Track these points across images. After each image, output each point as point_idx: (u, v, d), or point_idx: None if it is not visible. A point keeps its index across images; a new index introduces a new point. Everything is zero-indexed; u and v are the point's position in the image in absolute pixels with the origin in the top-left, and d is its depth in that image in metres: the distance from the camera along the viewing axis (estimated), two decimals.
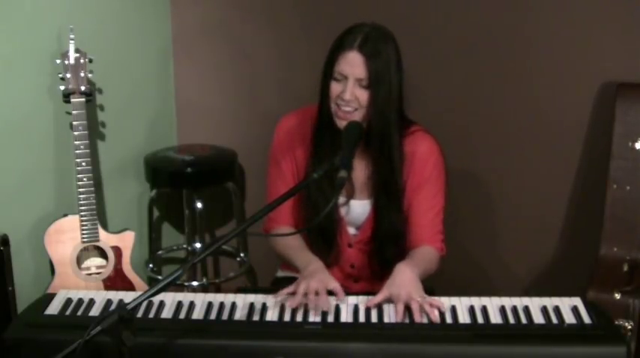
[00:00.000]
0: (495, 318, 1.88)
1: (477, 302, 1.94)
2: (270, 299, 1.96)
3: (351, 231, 2.25)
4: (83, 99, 2.61)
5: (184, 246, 3.27)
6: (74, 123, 2.60)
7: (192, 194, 3.07)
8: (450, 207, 2.25)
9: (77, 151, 2.60)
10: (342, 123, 2.04)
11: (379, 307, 1.92)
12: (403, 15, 2.88)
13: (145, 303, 1.86)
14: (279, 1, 3.11)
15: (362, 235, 2.24)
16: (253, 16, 3.14)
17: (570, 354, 1.76)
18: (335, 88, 2.03)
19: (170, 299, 1.97)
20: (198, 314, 1.91)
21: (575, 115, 2.85)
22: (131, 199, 3.15)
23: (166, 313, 1.92)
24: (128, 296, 2.00)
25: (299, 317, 1.89)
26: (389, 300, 1.92)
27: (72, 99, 2.61)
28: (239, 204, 3.19)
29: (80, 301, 1.97)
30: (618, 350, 1.75)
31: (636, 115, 2.67)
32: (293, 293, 1.94)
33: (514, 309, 1.91)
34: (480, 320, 1.87)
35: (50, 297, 2.00)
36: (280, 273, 2.41)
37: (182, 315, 1.90)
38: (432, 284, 2.09)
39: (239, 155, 3.14)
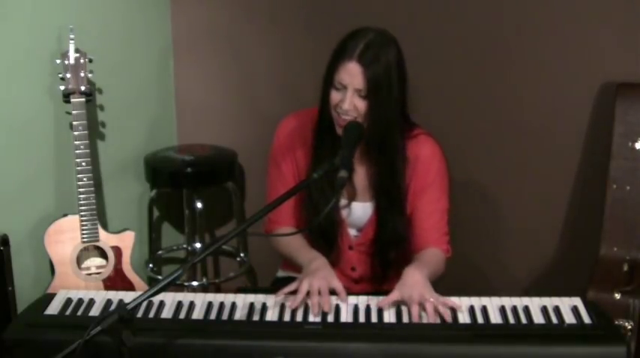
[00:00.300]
0: (495, 318, 1.88)
1: (477, 302, 1.94)
2: (270, 299, 1.96)
3: (352, 232, 2.25)
4: (83, 100, 2.61)
5: (184, 246, 3.27)
6: (74, 123, 2.60)
7: (192, 194, 3.07)
8: (450, 207, 2.25)
9: (77, 151, 2.60)
10: (341, 131, 2.04)
11: (379, 307, 1.92)
12: (404, 17, 2.88)
13: (145, 303, 1.86)
14: (280, 1, 3.11)
15: (363, 237, 2.24)
16: (253, 16, 3.14)
17: (570, 354, 1.76)
18: (335, 96, 2.03)
19: (170, 299, 1.97)
20: (198, 314, 1.91)
21: (575, 115, 2.85)
22: (131, 199, 3.15)
23: (166, 313, 1.92)
24: (128, 296, 2.00)
25: (299, 317, 1.89)
26: (401, 302, 1.92)
27: (72, 99, 2.61)
28: (239, 204, 3.19)
29: (80, 301, 1.97)
30: (618, 350, 1.75)
31: (636, 115, 2.67)
32: (295, 292, 1.94)
33: (514, 309, 1.91)
34: (480, 320, 1.87)
35: (50, 297, 2.00)
36: (280, 273, 2.41)
37: (182, 315, 1.90)
38: (432, 284, 2.09)
39: (239, 155, 3.14)
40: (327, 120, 2.08)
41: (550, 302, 1.93)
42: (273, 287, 2.02)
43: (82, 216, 2.64)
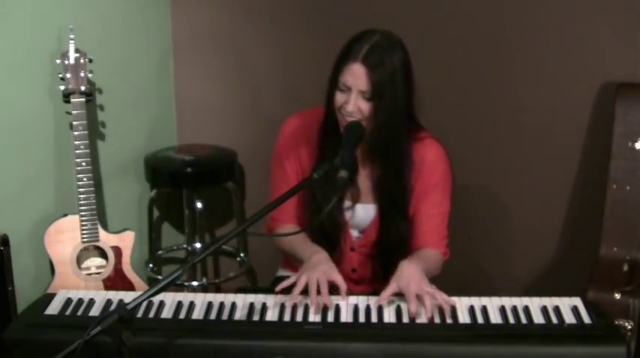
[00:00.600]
0: (495, 318, 1.88)
1: (477, 302, 1.94)
2: (270, 299, 1.96)
3: (354, 234, 2.25)
4: (83, 99, 2.61)
5: (184, 246, 3.27)
6: (74, 123, 2.60)
7: (192, 194, 3.07)
8: (451, 208, 2.25)
9: (77, 151, 2.60)
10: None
11: (379, 307, 1.92)
12: (404, 17, 2.88)
13: (145, 303, 1.86)
14: (280, 1, 3.11)
15: (365, 239, 2.23)
16: (253, 16, 3.13)
17: (570, 354, 1.76)
18: (339, 98, 2.03)
19: (170, 299, 1.97)
20: (198, 314, 1.91)
21: (575, 115, 2.85)
22: (131, 199, 3.15)
23: (166, 313, 1.92)
24: (128, 296, 2.00)
25: (299, 317, 1.89)
26: (400, 301, 1.92)
27: (72, 99, 2.61)
28: (239, 204, 3.19)
29: (80, 301, 1.97)
30: (618, 350, 1.75)
31: (636, 115, 2.67)
32: (294, 285, 1.93)
33: (514, 309, 1.91)
34: (480, 320, 1.87)
35: (50, 297, 2.00)
36: (280, 273, 2.41)
37: (182, 315, 1.90)
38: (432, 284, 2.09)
39: (239, 155, 3.14)
40: (333, 122, 2.08)
41: (550, 302, 1.93)
42: (273, 287, 2.02)
43: (82, 216, 2.64)
